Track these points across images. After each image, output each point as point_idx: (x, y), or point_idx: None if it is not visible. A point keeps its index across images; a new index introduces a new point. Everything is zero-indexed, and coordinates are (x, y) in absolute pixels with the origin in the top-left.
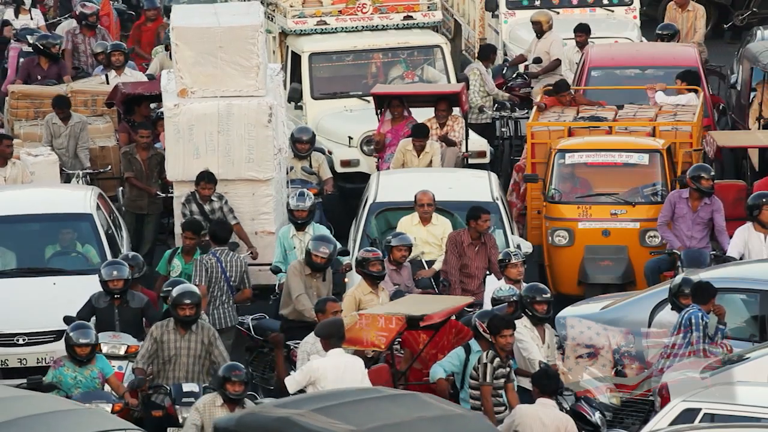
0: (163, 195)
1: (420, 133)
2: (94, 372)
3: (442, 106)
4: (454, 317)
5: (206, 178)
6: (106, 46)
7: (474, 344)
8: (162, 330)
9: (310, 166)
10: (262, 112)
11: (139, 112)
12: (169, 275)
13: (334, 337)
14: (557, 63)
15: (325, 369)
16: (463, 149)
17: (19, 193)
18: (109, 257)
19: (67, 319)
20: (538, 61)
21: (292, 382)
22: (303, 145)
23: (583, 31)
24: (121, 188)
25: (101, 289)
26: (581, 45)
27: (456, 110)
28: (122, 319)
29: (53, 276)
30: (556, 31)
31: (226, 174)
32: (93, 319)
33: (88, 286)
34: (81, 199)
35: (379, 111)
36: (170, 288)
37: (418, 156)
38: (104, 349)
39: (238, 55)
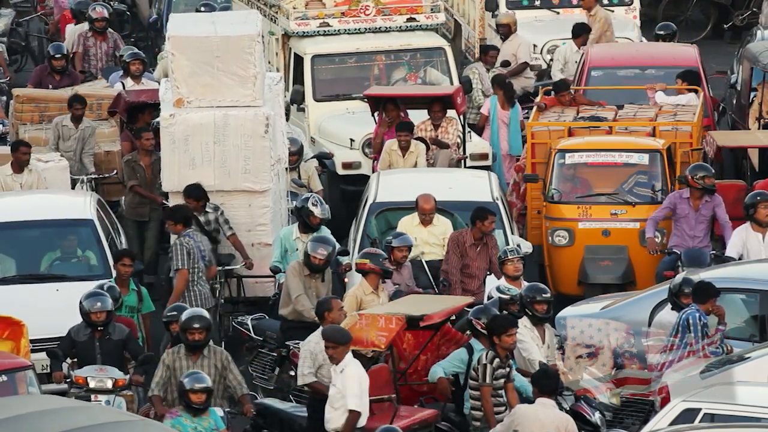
0: (168, 203)
1: (404, 128)
2: (211, 423)
3: (437, 107)
4: None
5: (187, 193)
6: (126, 52)
7: (476, 343)
8: (174, 356)
9: (299, 177)
10: (258, 123)
11: (142, 119)
12: None
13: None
14: (524, 66)
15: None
16: (461, 151)
17: (20, 199)
18: (111, 263)
19: (51, 354)
20: (506, 64)
21: (361, 405)
22: (291, 156)
23: (584, 32)
24: (123, 197)
25: (80, 321)
26: (581, 45)
27: (452, 112)
28: (104, 351)
29: (55, 282)
30: (522, 34)
31: (223, 185)
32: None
33: None
34: (81, 204)
35: (375, 113)
36: (174, 312)
37: (403, 156)
38: (91, 383)
39: (235, 64)
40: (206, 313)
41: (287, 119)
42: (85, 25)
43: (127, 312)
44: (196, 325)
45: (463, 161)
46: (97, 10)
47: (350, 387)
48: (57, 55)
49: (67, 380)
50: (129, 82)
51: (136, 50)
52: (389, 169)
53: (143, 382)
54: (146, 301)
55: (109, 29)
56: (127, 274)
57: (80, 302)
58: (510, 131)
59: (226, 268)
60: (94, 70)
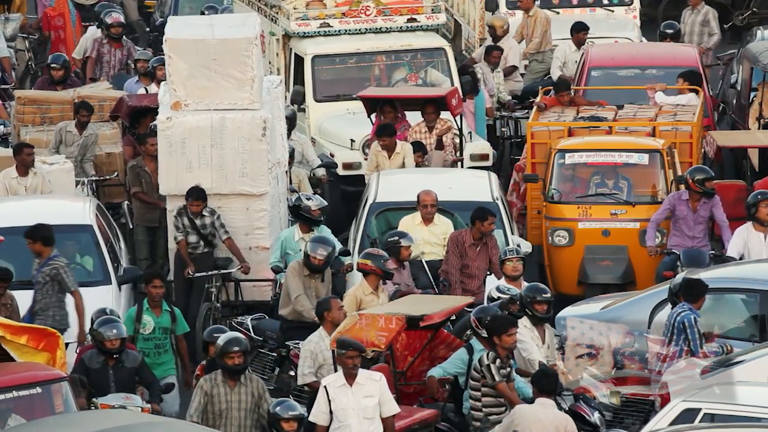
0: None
1: (383, 131)
2: None
3: (430, 109)
4: None
5: (195, 195)
6: (149, 57)
7: (476, 343)
8: (211, 383)
9: (290, 182)
10: (256, 126)
11: (144, 124)
12: (137, 334)
13: None
14: (512, 69)
15: None
16: (457, 154)
17: (19, 204)
18: (110, 268)
19: (70, 379)
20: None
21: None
22: None
23: (582, 30)
24: (126, 203)
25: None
26: (579, 43)
27: (447, 114)
28: (117, 379)
29: None
30: (512, 37)
31: (220, 188)
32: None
33: (91, 297)
34: (80, 210)
35: (371, 115)
36: (217, 335)
37: (389, 157)
38: None
39: (233, 67)
40: (243, 337)
41: (294, 125)
42: (98, 31)
43: (161, 334)
44: (235, 349)
45: (459, 163)
46: (113, 16)
47: (388, 392)
48: (54, 65)
49: (91, 407)
50: (153, 88)
51: (161, 56)
52: (377, 170)
53: (161, 411)
54: (180, 322)
55: (124, 37)
56: (159, 296)
57: (93, 329)
58: (476, 119)
59: (223, 271)
60: (106, 77)
